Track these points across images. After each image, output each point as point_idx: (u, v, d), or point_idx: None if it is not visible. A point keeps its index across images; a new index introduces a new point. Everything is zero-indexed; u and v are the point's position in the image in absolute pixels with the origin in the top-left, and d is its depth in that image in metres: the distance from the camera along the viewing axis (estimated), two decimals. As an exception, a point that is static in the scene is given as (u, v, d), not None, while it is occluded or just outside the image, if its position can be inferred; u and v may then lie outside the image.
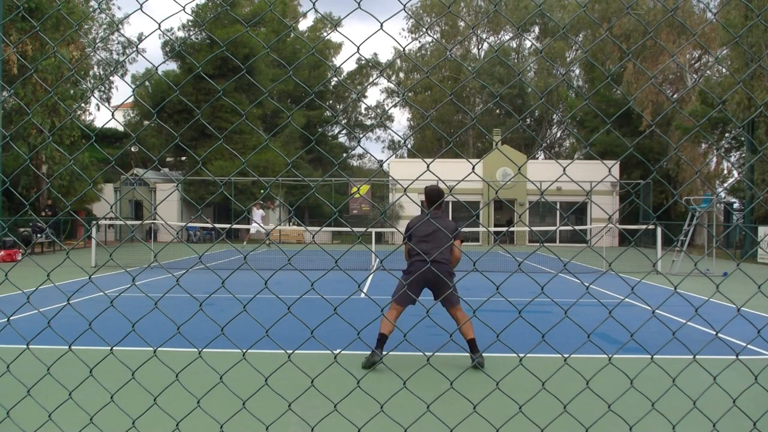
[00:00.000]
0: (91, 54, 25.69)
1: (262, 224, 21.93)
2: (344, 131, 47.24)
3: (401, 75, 47.43)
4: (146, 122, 32.20)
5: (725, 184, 29.03)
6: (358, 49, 1.95)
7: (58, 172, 18.91)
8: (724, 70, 27.05)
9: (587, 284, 2.22)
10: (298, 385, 4.44)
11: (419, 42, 45.08)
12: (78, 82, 20.96)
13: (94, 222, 17.30)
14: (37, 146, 18.81)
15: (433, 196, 5.51)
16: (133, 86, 27.50)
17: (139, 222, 23.53)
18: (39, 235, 17.82)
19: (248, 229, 23.75)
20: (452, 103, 35.98)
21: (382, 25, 1.93)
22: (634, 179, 29.21)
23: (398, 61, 44.97)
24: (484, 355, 5.22)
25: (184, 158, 33.86)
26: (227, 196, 27.42)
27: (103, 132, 31.30)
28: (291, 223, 27.56)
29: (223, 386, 2.53)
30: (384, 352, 5.12)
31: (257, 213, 22.87)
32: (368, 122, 48.11)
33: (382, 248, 19.88)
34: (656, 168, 19.97)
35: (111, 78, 31.09)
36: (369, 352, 5.16)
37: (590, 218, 28.50)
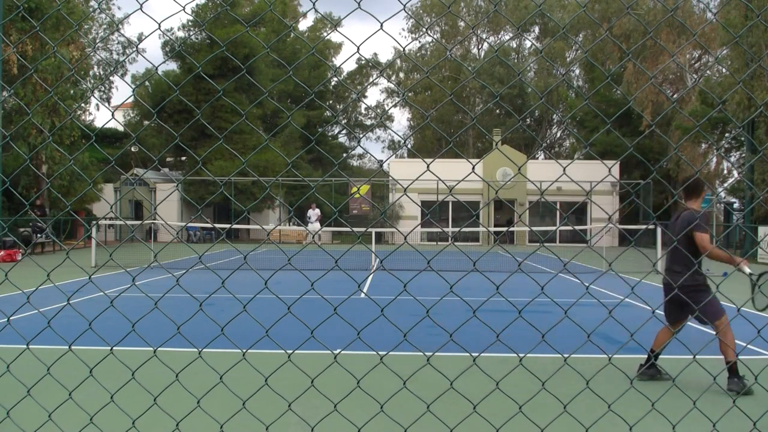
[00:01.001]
0: (91, 54, 25.68)
1: (314, 223, 22.78)
2: (344, 131, 47.23)
3: (401, 75, 47.42)
4: (146, 122, 32.20)
5: (725, 184, 29.03)
6: (358, 49, 1.95)
7: (58, 172, 18.91)
8: (724, 70, 27.04)
9: (587, 284, 2.21)
10: (298, 385, 4.44)
11: (419, 42, 45.10)
12: (78, 82, 20.96)
13: (94, 222, 17.31)
14: (37, 146, 18.81)
15: (684, 187, 4.73)
16: (133, 86, 27.51)
17: (139, 222, 23.54)
18: (39, 235, 17.83)
19: (305, 229, 24.47)
20: (452, 103, 35.97)
21: (382, 25, 1.93)
22: (634, 179, 29.22)
23: (398, 61, 44.95)
24: (484, 355, 5.19)
25: (184, 158, 33.86)
26: (227, 196, 27.42)
27: (103, 132, 31.31)
28: (291, 223, 27.58)
29: (223, 386, 2.53)
30: (650, 370, 4.41)
31: (314, 213, 23.70)
32: (368, 122, 48.08)
33: (382, 248, 19.87)
34: (656, 168, 19.95)
35: (111, 78, 31.11)
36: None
37: (590, 218, 28.49)
